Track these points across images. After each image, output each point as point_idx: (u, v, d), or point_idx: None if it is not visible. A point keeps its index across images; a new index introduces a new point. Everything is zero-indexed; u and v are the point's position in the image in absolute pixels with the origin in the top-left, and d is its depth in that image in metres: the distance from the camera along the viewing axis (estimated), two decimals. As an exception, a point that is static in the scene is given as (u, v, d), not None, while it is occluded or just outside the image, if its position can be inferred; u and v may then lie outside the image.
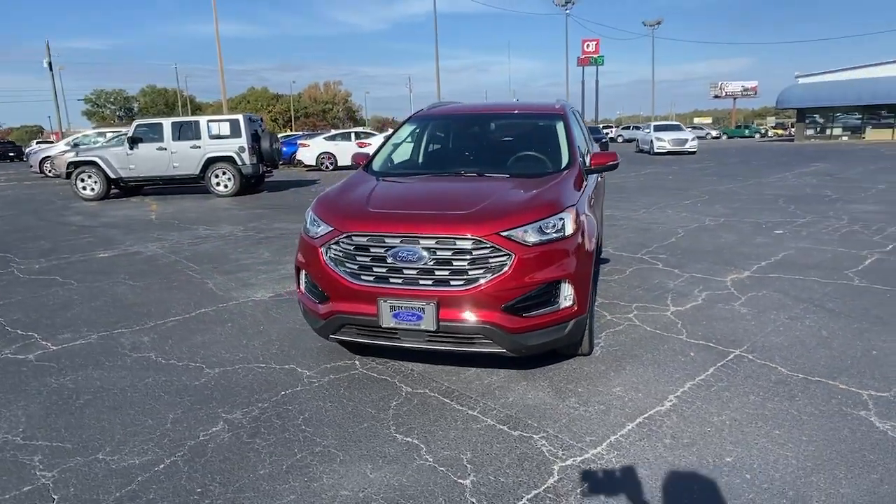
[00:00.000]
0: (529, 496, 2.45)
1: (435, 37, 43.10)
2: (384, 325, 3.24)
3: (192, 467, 2.72)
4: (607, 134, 35.68)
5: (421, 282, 3.21)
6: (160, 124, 15.02)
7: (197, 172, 14.93)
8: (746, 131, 68.86)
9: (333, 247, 3.41)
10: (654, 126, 29.84)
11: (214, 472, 2.68)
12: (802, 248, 6.88)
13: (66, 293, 5.79)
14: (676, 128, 30.28)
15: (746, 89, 78.62)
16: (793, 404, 3.15)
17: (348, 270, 3.35)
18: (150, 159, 14.83)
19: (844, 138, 41.22)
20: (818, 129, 43.51)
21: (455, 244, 3.15)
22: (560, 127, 4.60)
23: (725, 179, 15.50)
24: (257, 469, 2.70)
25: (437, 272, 3.18)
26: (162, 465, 2.74)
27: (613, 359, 3.81)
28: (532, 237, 3.20)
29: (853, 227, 8.08)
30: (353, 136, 25.27)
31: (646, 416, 3.07)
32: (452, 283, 3.17)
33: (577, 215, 3.45)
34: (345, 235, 3.35)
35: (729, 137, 65.55)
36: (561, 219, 3.32)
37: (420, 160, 4.69)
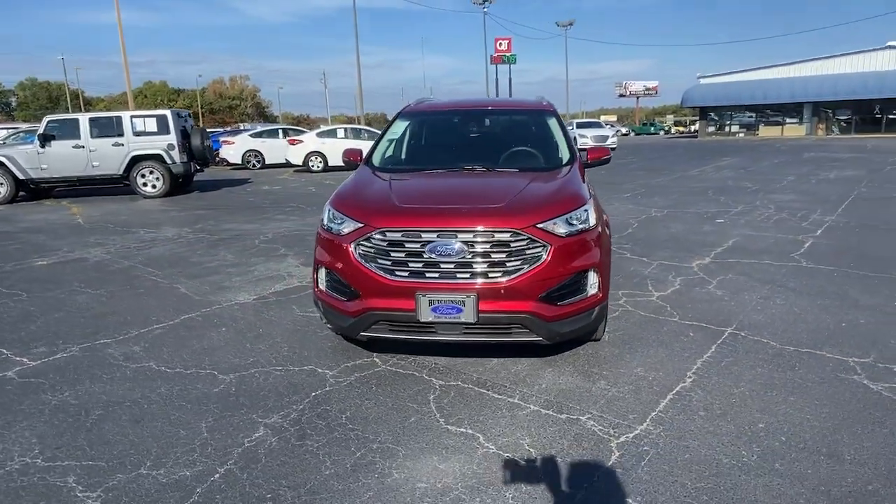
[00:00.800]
0: (600, 472, 2.58)
1: (355, 32, 42.33)
2: (422, 320, 3.26)
3: (251, 474, 2.63)
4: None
5: (458, 275, 3.25)
6: (76, 120, 13.91)
7: (120, 172, 13.98)
8: (652, 128, 73.27)
9: (364, 243, 3.38)
10: (577, 123, 31.08)
11: (277, 476, 2.61)
12: (746, 234, 7.51)
13: (18, 305, 5.30)
14: (597, 125, 31.74)
15: (648, 89, 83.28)
16: (795, 374, 3.48)
17: (381, 266, 3.33)
18: (65, 158, 13.71)
19: (741, 135, 44.81)
20: (718, 126, 47.00)
21: (493, 237, 3.23)
22: (554, 123, 4.78)
23: (653, 174, 16.47)
24: (321, 470, 2.65)
25: (474, 265, 3.24)
26: (217, 475, 2.63)
27: (622, 342, 4.03)
28: (562, 229, 3.33)
29: (781, 215, 8.89)
30: (280, 132, 24.47)
31: (674, 392, 3.29)
32: (490, 275, 3.24)
33: (596, 207, 3.62)
34: (377, 231, 3.33)
35: (637, 134, 69.41)
36: (585, 210, 3.48)
37: (423, 155, 4.67)
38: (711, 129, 46.88)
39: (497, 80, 55.33)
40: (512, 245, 3.23)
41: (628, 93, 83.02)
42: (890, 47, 39.04)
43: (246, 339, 4.30)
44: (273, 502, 2.44)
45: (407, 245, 3.29)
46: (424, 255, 3.26)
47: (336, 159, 21.03)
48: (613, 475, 2.56)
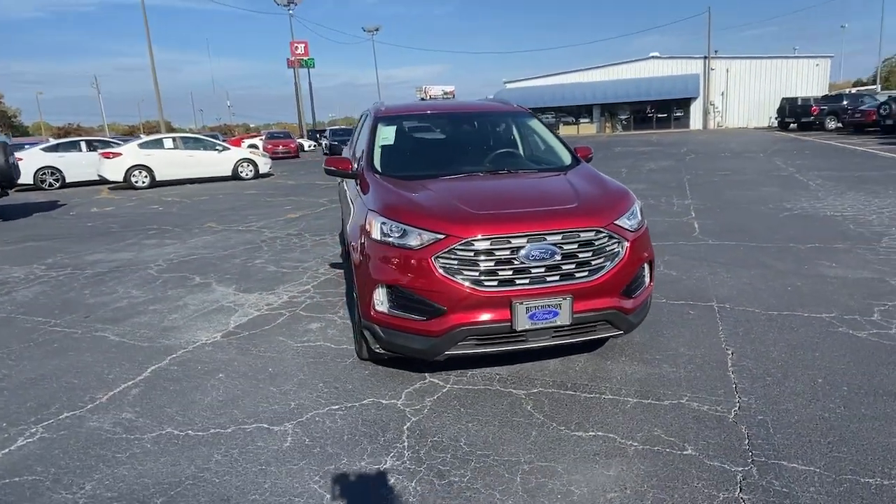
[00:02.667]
0: (745, 447, 2.76)
1: (146, 29, 37.59)
2: (519, 328, 3.15)
3: (430, 526, 2.32)
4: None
5: (548, 278, 3.21)
6: None
7: None
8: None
9: (445, 255, 3.15)
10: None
11: (461, 522, 2.34)
12: (642, 220, 8.42)
13: None
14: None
15: (446, 93, 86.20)
16: (799, 333, 4.06)
17: (469, 278, 3.14)
18: None
19: (544, 134, 49.65)
20: (524, 126, 51.49)
21: (579, 236, 3.24)
22: (537, 124, 4.91)
23: (505, 172, 17.53)
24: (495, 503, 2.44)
25: (563, 266, 3.22)
26: (391, 537, 2.27)
27: (643, 328, 4.28)
28: (626, 224, 3.47)
29: (649, 202, 10.13)
30: (83, 145, 21.06)
31: (732, 365, 3.63)
32: (577, 275, 3.25)
33: None
34: (462, 242, 3.12)
35: (450, 136, 72.95)
36: (637, 206, 3.66)
37: (436, 160, 4.40)
38: (519, 129, 51.17)
39: (297, 84, 52.99)
40: (595, 243, 3.28)
41: (428, 97, 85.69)
42: (653, 57, 46.59)
43: (260, 381, 3.71)
44: (483, 550, 2.19)
45: (496, 253, 3.15)
46: (515, 262, 3.15)
47: (166, 173, 18.78)
48: (762, 446, 2.76)
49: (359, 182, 4.16)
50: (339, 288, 5.71)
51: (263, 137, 36.99)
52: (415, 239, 3.22)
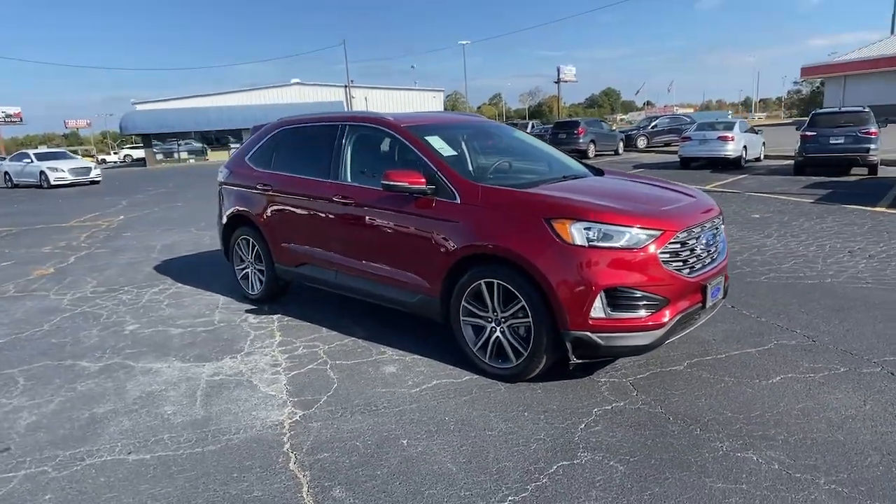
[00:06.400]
0: (855, 357, 3.91)
1: None
2: (708, 306, 3.65)
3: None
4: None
5: (707, 261, 3.78)
6: None
7: None
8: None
9: (663, 250, 3.41)
10: (37, 155, 25.42)
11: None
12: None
13: None
14: (64, 155, 26.61)
15: (10, 115, 67.80)
16: (738, 286, 5.58)
17: (677, 267, 3.48)
18: None
19: (192, 161, 45.84)
20: (166, 153, 46.42)
21: (715, 222, 3.92)
22: (522, 133, 5.34)
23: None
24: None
25: (711, 249, 3.84)
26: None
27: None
28: None
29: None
30: None
31: (750, 315, 4.84)
32: (716, 257, 3.91)
33: None
34: (675, 235, 3.44)
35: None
36: (693, 199, 4.51)
37: (514, 167, 4.55)
38: (160, 156, 45.97)
39: None
40: (720, 228, 4.01)
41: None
42: (297, 84, 48.37)
43: (466, 435, 3.17)
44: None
45: (689, 242, 3.58)
46: (696, 249, 3.64)
47: None
48: (862, 354, 3.96)
49: (454, 195, 3.85)
50: (319, 333, 4.85)
51: None
52: (625, 239, 3.36)
